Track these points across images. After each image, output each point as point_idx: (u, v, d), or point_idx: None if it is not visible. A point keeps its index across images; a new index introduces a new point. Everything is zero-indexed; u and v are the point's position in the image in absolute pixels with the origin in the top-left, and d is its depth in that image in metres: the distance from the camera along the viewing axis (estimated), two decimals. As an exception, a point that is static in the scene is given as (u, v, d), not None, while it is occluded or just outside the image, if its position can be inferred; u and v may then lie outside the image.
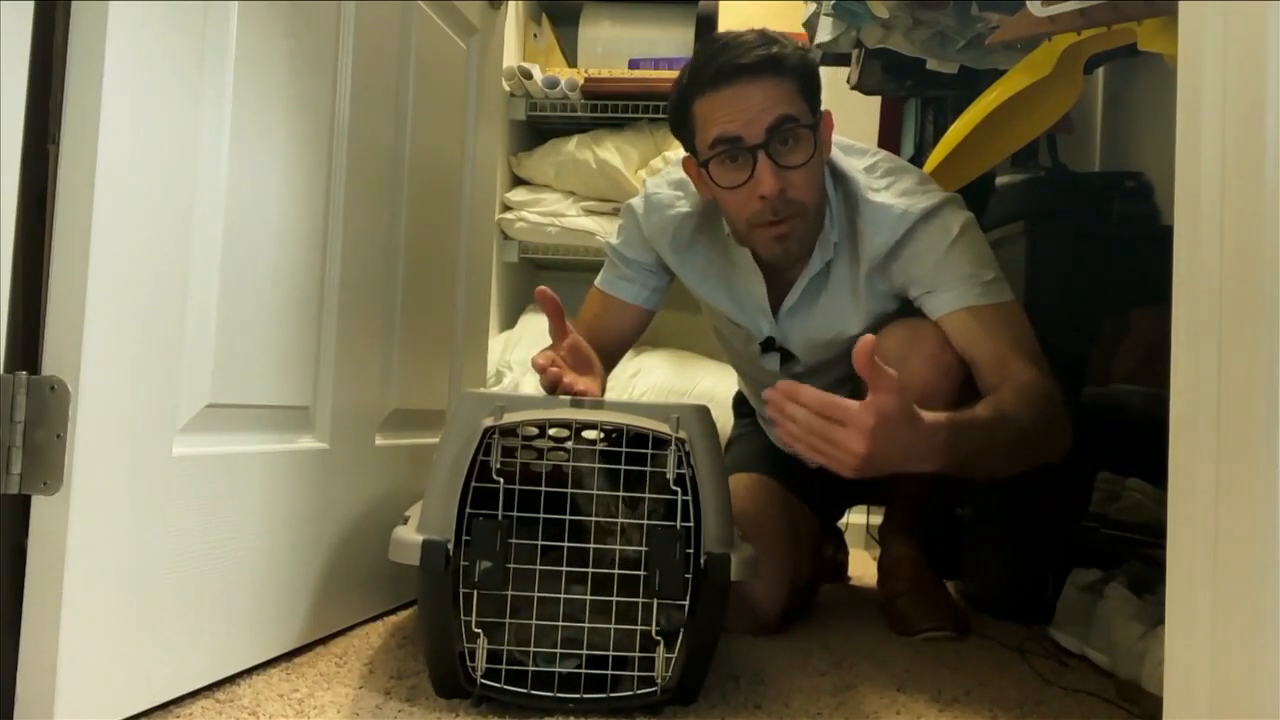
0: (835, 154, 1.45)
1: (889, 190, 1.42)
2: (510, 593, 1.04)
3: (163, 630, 1.00)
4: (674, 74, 1.44)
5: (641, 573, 1.06)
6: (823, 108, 1.40)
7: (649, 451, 1.07)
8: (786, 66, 1.32)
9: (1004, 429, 1.19)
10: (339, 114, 1.31)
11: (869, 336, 1.02)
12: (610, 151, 2.66)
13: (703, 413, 1.14)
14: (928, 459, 1.10)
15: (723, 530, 1.09)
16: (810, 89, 1.36)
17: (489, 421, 1.05)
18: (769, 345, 1.53)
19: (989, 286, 1.36)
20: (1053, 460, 1.29)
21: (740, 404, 1.90)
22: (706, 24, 2.80)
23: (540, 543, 1.06)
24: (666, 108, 1.44)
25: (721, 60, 1.31)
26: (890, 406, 1.04)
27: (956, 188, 1.58)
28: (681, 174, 1.51)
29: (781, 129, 1.31)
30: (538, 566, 1.05)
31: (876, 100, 2.37)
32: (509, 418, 1.07)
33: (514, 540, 1.05)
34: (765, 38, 1.34)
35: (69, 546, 0.87)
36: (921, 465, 1.10)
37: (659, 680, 1.05)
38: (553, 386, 1.21)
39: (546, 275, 3.14)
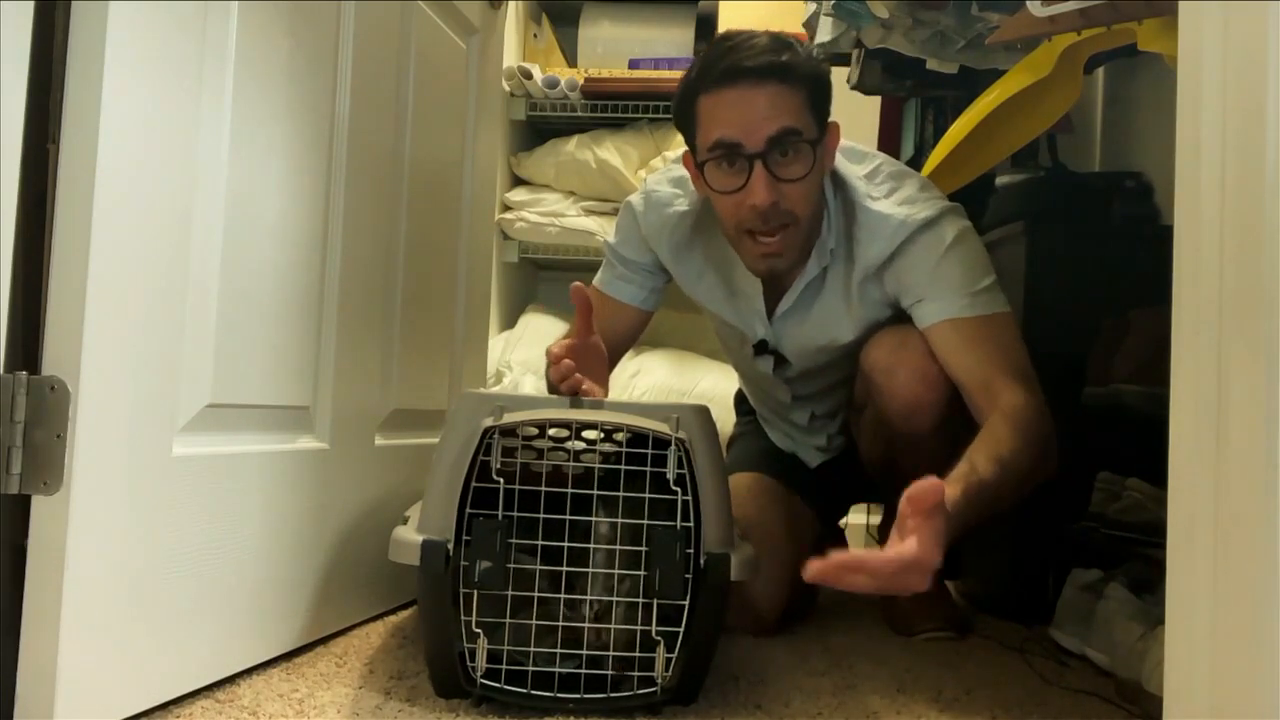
0: (836, 159, 1.42)
1: (889, 199, 1.39)
2: (510, 593, 1.05)
3: (163, 630, 1.00)
4: (674, 74, 1.43)
5: (642, 573, 1.06)
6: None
7: (649, 452, 1.07)
8: (796, 75, 1.29)
9: (1006, 481, 1.15)
10: (339, 114, 1.31)
11: (935, 482, 0.95)
12: (610, 151, 2.66)
13: (703, 413, 1.14)
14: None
15: (723, 530, 1.09)
16: (819, 101, 1.33)
17: (489, 421, 1.05)
18: (762, 348, 1.52)
19: (977, 298, 1.33)
20: (1041, 481, 1.26)
21: (741, 403, 1.90)
22: (706, 24, 2.80)
23: (540, 543, 1.06)
24: (668, 107, 1.43)
25: (730, 60, 1.28)
26: (943, 532, 0.99)
27: (956, 188, 1.57)
28: (682, 171, 1.51)
29: (782, 141, 1.28)
30: (538, 566, 1.05)
31: (876, 100, 2.37)
32: (509, 418, 1.07)
33: (514, 540, 1.05)
34: (779, 43, 1.30)
35: (69, 546, 0.87)
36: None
37: (659, 680, 1.05)
38: (561, 380, 1.21)
39: (546, 275, 3.14)
